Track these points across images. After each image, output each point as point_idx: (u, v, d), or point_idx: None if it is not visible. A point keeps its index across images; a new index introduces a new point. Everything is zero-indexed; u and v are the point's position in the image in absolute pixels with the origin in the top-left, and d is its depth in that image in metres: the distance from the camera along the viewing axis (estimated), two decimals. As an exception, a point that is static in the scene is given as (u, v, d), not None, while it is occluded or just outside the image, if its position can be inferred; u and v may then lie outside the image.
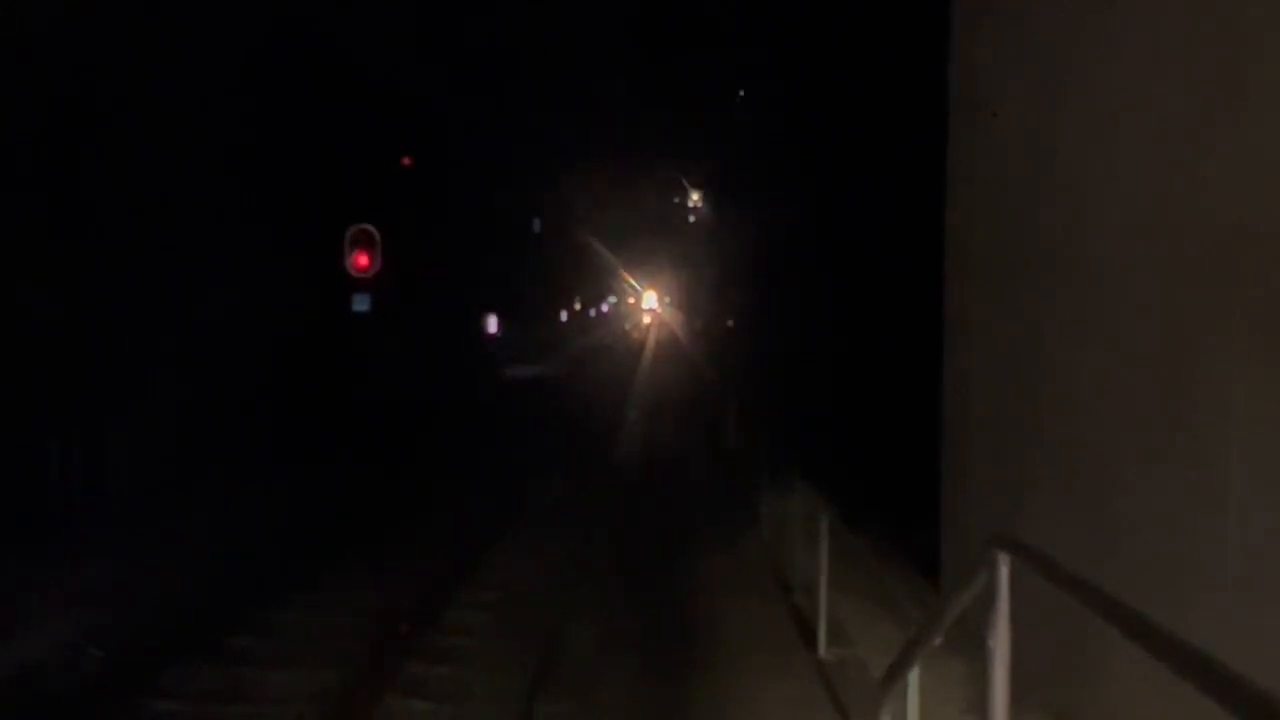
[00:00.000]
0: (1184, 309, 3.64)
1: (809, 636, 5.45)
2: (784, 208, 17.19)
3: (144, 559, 8.26)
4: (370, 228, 17.49)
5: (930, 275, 6.01)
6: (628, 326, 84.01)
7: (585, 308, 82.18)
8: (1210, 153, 3.52)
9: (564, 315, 61.70)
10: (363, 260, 17.55)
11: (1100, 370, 4.19)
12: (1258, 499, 3.24)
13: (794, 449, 8.13)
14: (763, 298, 19.78)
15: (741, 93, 26.45)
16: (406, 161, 24.26)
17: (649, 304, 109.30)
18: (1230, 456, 3.38)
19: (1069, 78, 4.51)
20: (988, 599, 2.65)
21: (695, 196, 41.44)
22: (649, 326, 78.61)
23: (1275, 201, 3.19)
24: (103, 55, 11.34)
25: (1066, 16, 4.60)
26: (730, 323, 27.47)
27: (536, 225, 44.81)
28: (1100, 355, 4.20)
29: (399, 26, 21.61)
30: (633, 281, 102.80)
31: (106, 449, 10.88)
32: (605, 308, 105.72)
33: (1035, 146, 4.84)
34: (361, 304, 18.35)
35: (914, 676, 3.51)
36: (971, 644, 3.23)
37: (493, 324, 34.97)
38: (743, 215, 24.16)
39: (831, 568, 5.32)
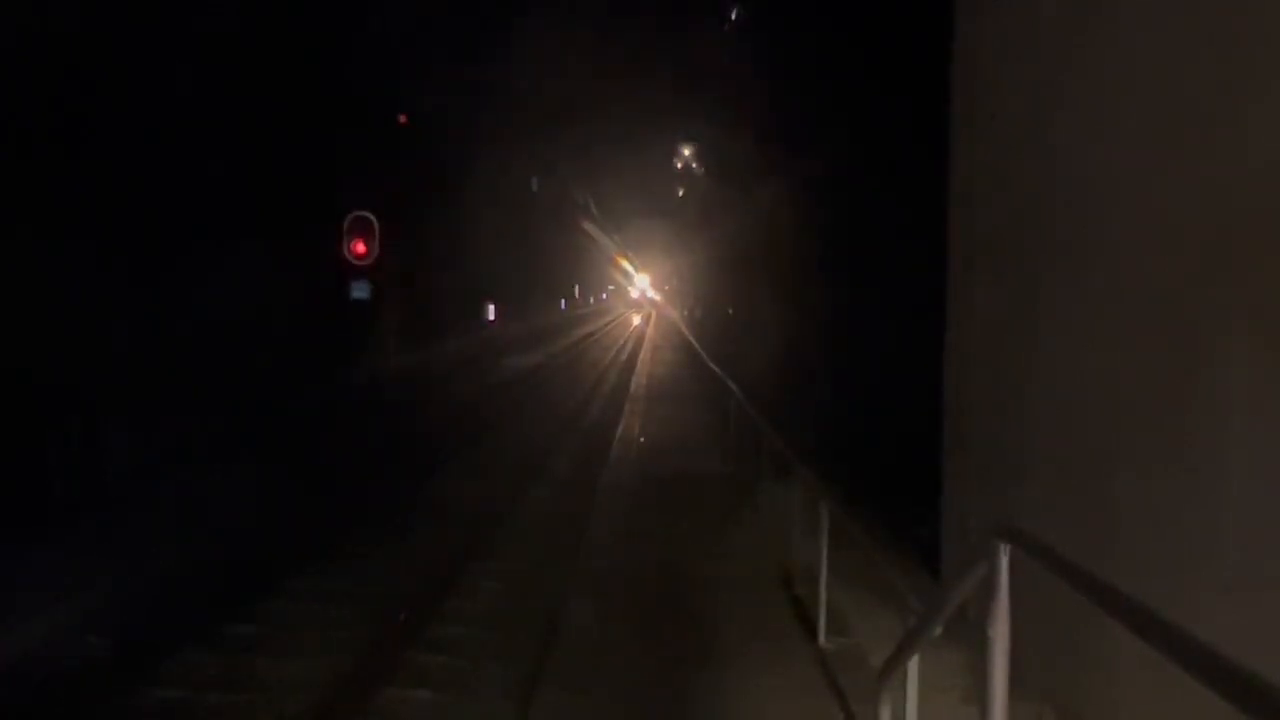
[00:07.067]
0: (1184, 303, 3.64)
1: (809, 625, 5.46)
2: (775, 181, 17.08)
3: (134, 544, 8.25)
4: (368, 214, 17.49)
5: (940, 259, 5.98)
6: (622, 319, 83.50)
7: (584, 295, 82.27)
8: (1212, 146, 3.51)
9: (563, 303, 61.78)
10: (360, 247, 17.55)
11: (1099, 363, 4.19)
12: (1257, 492, 3.24)
13: (797, 438, 8.13)
14: (760, 283, 19.75)
15: (734, 15, 25.26)
16: (403, 120, 23.97)
17: (639, 291, 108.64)
18: (1229, 449, 3.38)
19: (1070, 69, 4.49)
20: (988, 589, 2.65)
21: (687, 152, 40.76)
22: (646, 320, 67.40)
23: (1276, 196, 3.18)
24: (96, 45, 11.29)
25: (1069, 7, 4.58)
26: (730, 310, 27.42)
27: (534, 184, 44.46)
28: (1100, 348, 4.20)
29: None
30: (629, 268, 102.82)
31: (105, 438, 10.88)
32: (605, 295, 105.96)
33: (1036, 139, 4.83)
34: (360, 291, 18.36)
35: (914, 665, 3.53)
36: (971, 633, 3.24)
37: (491, 312, 35.03)
38: (737, 186, 23.88)
39: (832, 557, 5.32)
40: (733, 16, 24.92)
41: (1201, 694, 1.62)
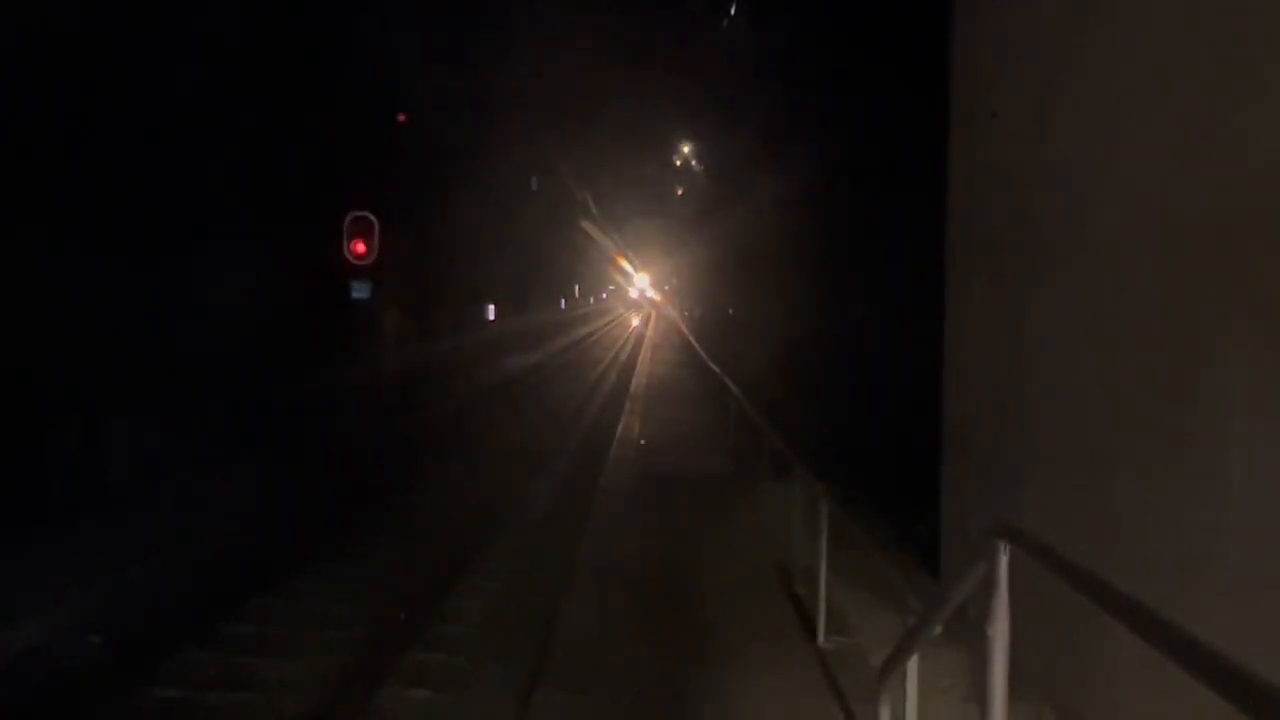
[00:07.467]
0: (1184, 303, 3.64)
1: (809, 625, 5.46)
2: (775, 180, 17.06)
3: (134, 544, 8.24)
4: (368, 214, 17.47)
5: (941, 258, 5.98)
6: (621, 319, 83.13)
7: (584, 295, 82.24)
8: (1212, 146, 3.51)
9: (563, 303, 61.79)
10: (360, 247, 17.53)
11: (1099, 363, 4.19)
12: (1257, 492, 3.24)
13: (797, 438, 8.12)
14: (760, 283, 19.74)
15: (732, 11, 25.18)
16: (403, 119, 23.88)
17: (639, 290, 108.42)
18: (1229, 449, 3.38)
19: (1070, 69, 4.49)
20: (987, 588, 2.65)
21: (687, 150, 40.64)
22: (646, 321, 65.90)
23: (1276, 196, 3.18)
24: (96, 45, 11.29)
25: (1069, 7, 4.58)
26: (730, 310, 27.41)
27: (534, 183, 44.43)
28: (1100, 348, 4.20)
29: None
30: (628, 267, 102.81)
31: (105, 438, 10.87)
32: (605, 295, 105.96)
33: (1036, 139, 4.83)
34: (360, 291, 18.34)
35: (913, 665, 3.53)
36: (971, 633, 3.24)
37: (491, 311, 35.05)
38: (737, 185, 23.82)
39: (832, 556, 5.32)
40: (731, 13, 24.91)
41: (1201, 694, 1.62)
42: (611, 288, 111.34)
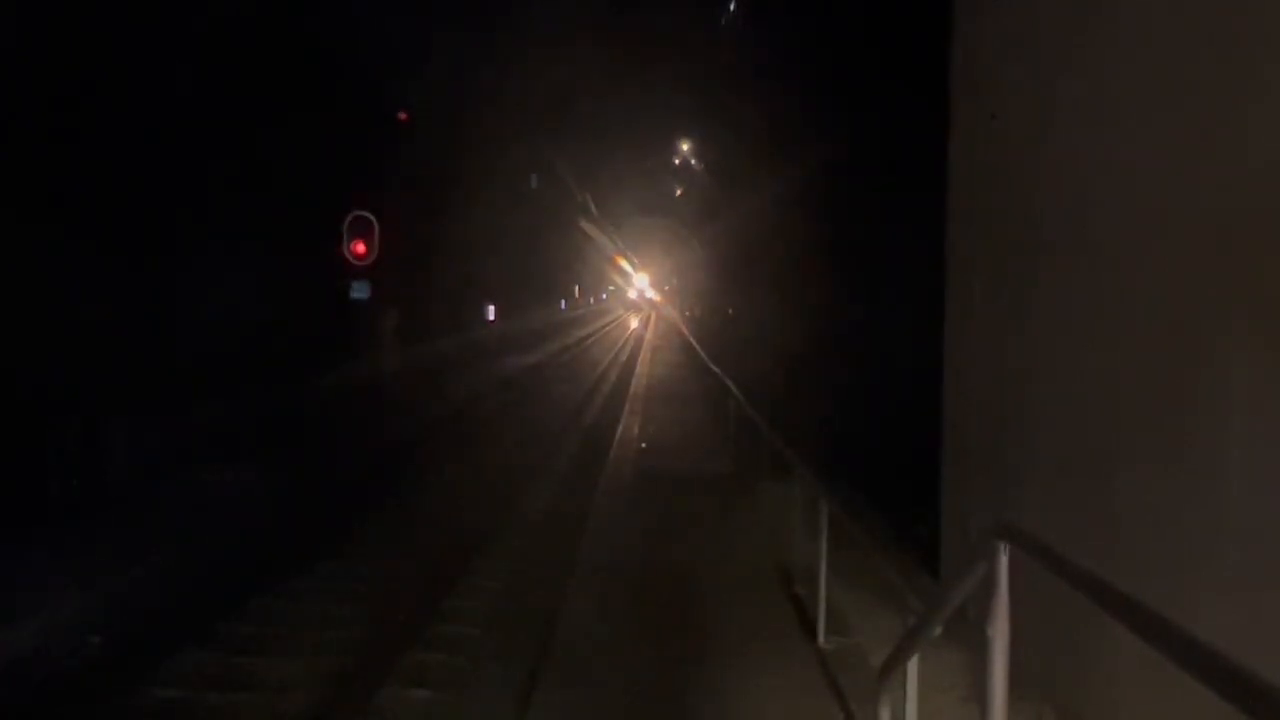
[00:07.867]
0: (1184, 303, 3.63)
1: (809, 625, 5.46)
2: (775, 179, 17.05)
3: (133, 544, 8.24)
4: (368, 214, 17.49)
5: (941, 257, 5.97)
6: (621, 320, 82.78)
7: (584, 295, 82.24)
8: (1212, 146, 3.51)
9: (563, 304, 61.79)
10: (360, 247, 17.54)
11: (1099, 363, 4.19)
12: (1257, 492, 3.24)
13: (797, 439, 8.12)
14: (760, 283, 19.73)
15: (731, 7, 25.11)
16: (403, 117, 23.83)
17: (638, 291, 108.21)
18: (1229, 449, 3.37)
19: (1070, 69, 4.49)
20: (987, 588, 2.65)
21: (686, 148, 40.58)
22: (645, 323, 64.42)
23: (1276, 196, 3.18)
24: (96, 45, 11.29)
25: (1069, 7, 4.58)
26: (730, 311, 27.40)
27: (534, 180, 44.41)
28: (1100, 348, 4.19)
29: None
30: (628, 267, 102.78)
31: (105, 438, 10.87)
32: (604, 296, 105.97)
33: (1036, 139, 4.82)
34: (360, 291, 18.35)
35: (913, 665, 3.53)
36: (971, 633, 3.24)
37: (491, 312, 35.09)
38: (737, 184, 23.77)
39: (832, 556, 5.32)
40: (731, 12, 24.88)
41: (1201, 694, 1.62)
42: (611, 288, 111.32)
